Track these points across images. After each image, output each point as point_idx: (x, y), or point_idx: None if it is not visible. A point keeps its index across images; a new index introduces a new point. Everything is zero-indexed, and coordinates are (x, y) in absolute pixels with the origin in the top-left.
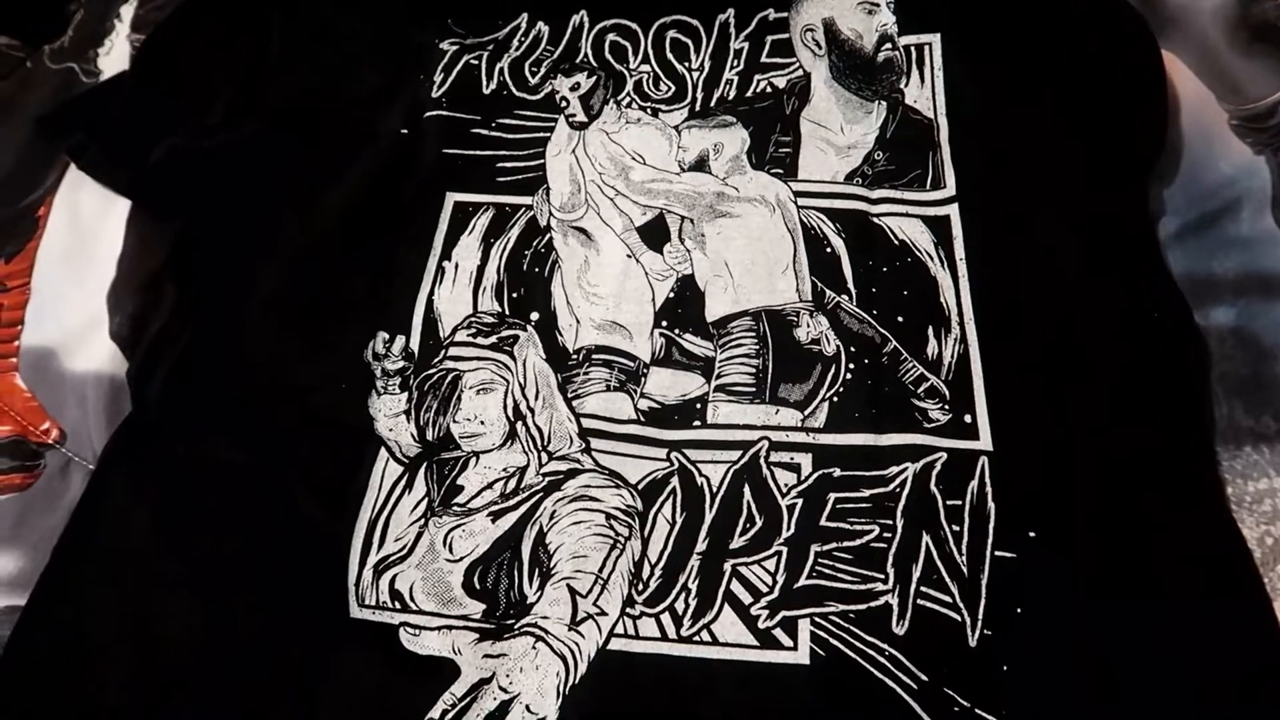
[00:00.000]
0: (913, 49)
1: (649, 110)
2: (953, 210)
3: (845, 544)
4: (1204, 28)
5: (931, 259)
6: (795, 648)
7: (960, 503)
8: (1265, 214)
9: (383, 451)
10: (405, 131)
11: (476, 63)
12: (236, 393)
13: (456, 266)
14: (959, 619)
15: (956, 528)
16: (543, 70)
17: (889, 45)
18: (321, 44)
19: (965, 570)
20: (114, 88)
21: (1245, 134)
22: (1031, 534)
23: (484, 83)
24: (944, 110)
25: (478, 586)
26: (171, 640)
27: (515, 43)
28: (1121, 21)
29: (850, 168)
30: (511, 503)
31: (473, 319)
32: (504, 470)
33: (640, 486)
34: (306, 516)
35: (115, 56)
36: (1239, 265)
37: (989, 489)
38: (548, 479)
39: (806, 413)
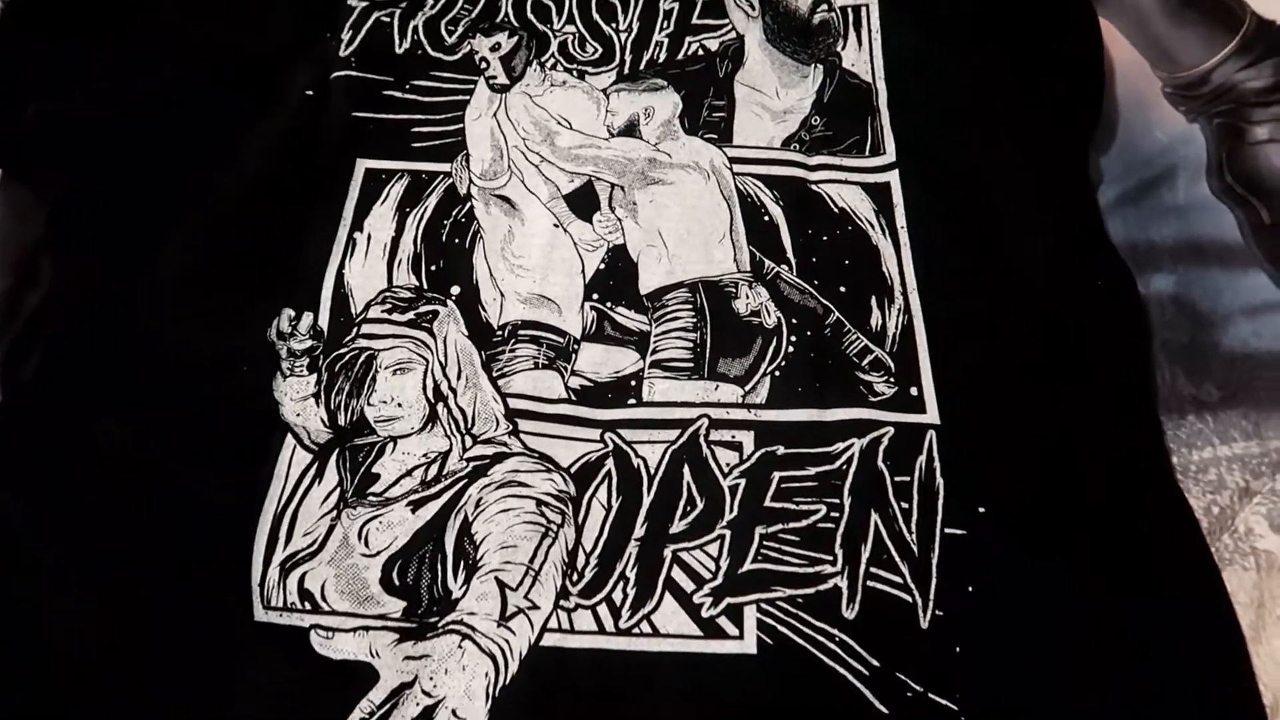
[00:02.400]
0: (850, 10)
1: (575, 73)
2: (893, 177)
3: (791, 525)
4: None
5: (872, 227)
6: (741, 636)
7: (909, 479)
8: (1200, 181)
9: (289, 438)
10: (311, 93)
11: (388, 20)
12: (126, 375)
13: (369, 238)
14: (910, 600)
15: (905, 505)
16: (460, 29)
17: (824, 7)
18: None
19: (915, 549)
20: None
21: (1178, 102)
22: (981, 509)
23: (396, 41)
24: (882, 74)
25: (397, 582)
26: (61, 651)
27: (430, 1)
28: None
29: (787, 133)
30: (433, 491)
31: (387, 294)
32: (424, 456)
33: (573, 470)
34: (206, 510)
35: None
36: (1176, 233)
37: (937, 464)
38: (472, 464)
39: (747, 388)
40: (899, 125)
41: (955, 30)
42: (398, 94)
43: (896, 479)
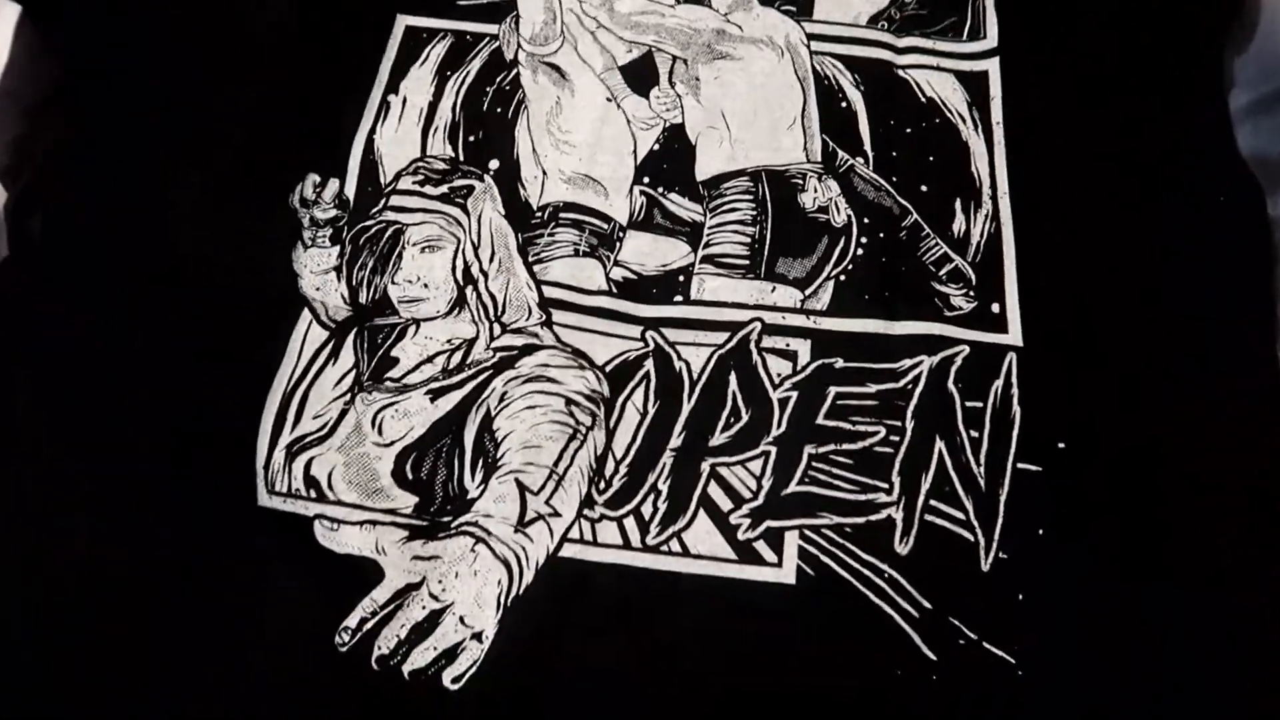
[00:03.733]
0: None
1: None
2: (992, 65)
3: (845, 446)
4: None
5: (964, 121)
6: (779, 564)
7: (981, 405)
8: None
9: (305, 313)
10: None
11: None
12: (134, 236)
13: (404, 102)
14: (971, 539)
15: (975, 434)
16: None
17: None
18: None
19: (983, 483)
20: None
21: None
22: (1060, 445)
23: None
24: None
25: (410, 476)
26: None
27: None
28: None
29: (875, 9)
30: (455, 380)
31: (420, 164)
32: (448, 342)
33: (608, 368)
34: (211, 386)
35: None
36: None
37: (1015, 391)
38: (499, 354)
39: (808, 292)
40: (1004, 6)
41: None
42: None
43: (968, 404)
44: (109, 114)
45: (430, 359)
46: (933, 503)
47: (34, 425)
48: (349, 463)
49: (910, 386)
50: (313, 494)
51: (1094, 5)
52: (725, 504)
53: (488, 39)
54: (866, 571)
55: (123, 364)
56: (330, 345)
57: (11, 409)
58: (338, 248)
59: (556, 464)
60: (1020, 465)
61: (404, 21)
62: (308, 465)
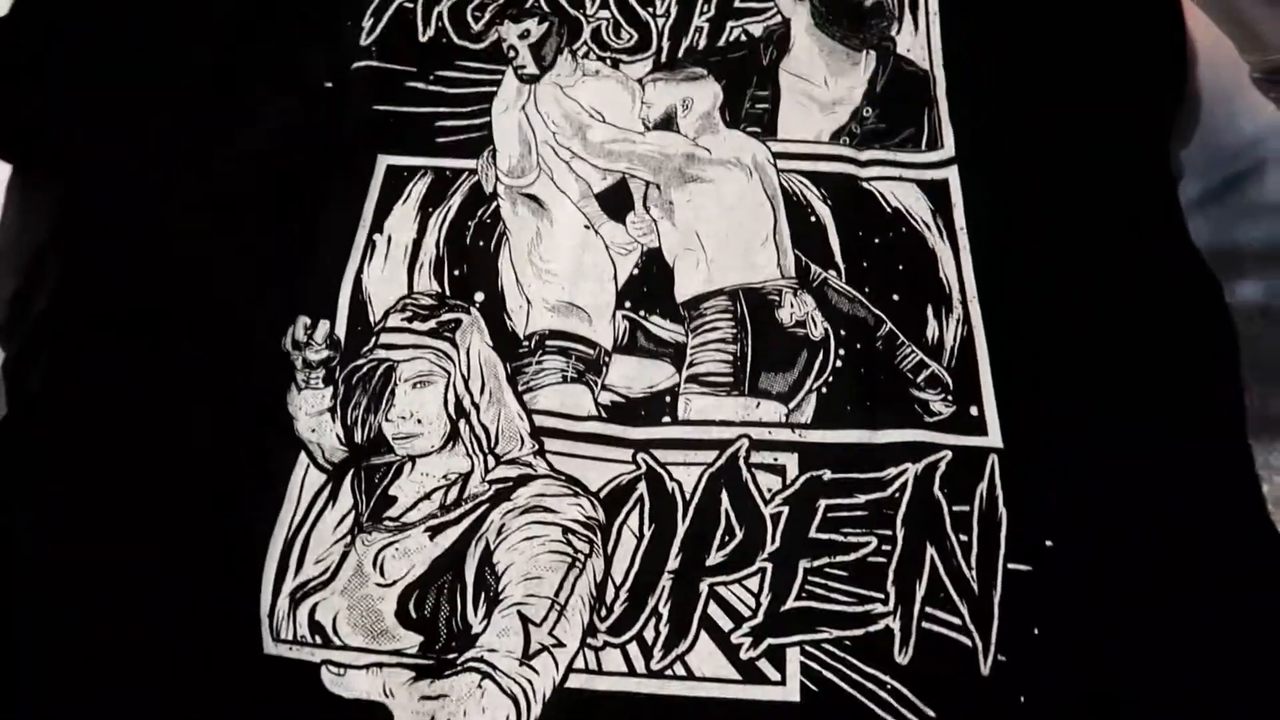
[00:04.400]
0: None
1: (608, 61)
2: (951, 173)
3: (839, 559)
4: None
5: (929, 228)
6: (783, 682)
7: (968, 508)
8: None
9: (302, 457)
10: (330, 85)
11: (412, 5)
12: (132, 388)
13: (389, 240)
14: (970, 644)
15: (964, 538)
16: (487, 15)
17: None
18: None
19: (976, 587)
20: None
21: (1269, 89)
22: (1048, 543)
23: (420, 29)
24: (941, 61)
25: (414, 615)
26: (63, 679)
27: None
28: None
29: (836, 126)
30: (453, 516)
31: (408, 301)
32: (444, 477)
33: (602, 494)
34: (213, 535)
35: None
36: (1266, 235)
37: (1000, 492)
38: (495, 487)
39: (791, 406)
40: (959, 117)
41: (1021, 12)
42: (421, 85)
43: (954, 508)
44: (103, 264)
45: (427, 495)
46: (929, 610)
47: (36, 582)
48: (353, 605)
49: (898, 495)
50: (318, 639)
51: (1045, 111)
52: (726, 623)
53: (467, 173)
54: (869, 684)
55: (123, 520)
56: (329, 488)
57: (14, 566)
58: (331, 388)
59: (558, 594)
60: (1011, 566)
61: (385, 161)
62: (312, 611)
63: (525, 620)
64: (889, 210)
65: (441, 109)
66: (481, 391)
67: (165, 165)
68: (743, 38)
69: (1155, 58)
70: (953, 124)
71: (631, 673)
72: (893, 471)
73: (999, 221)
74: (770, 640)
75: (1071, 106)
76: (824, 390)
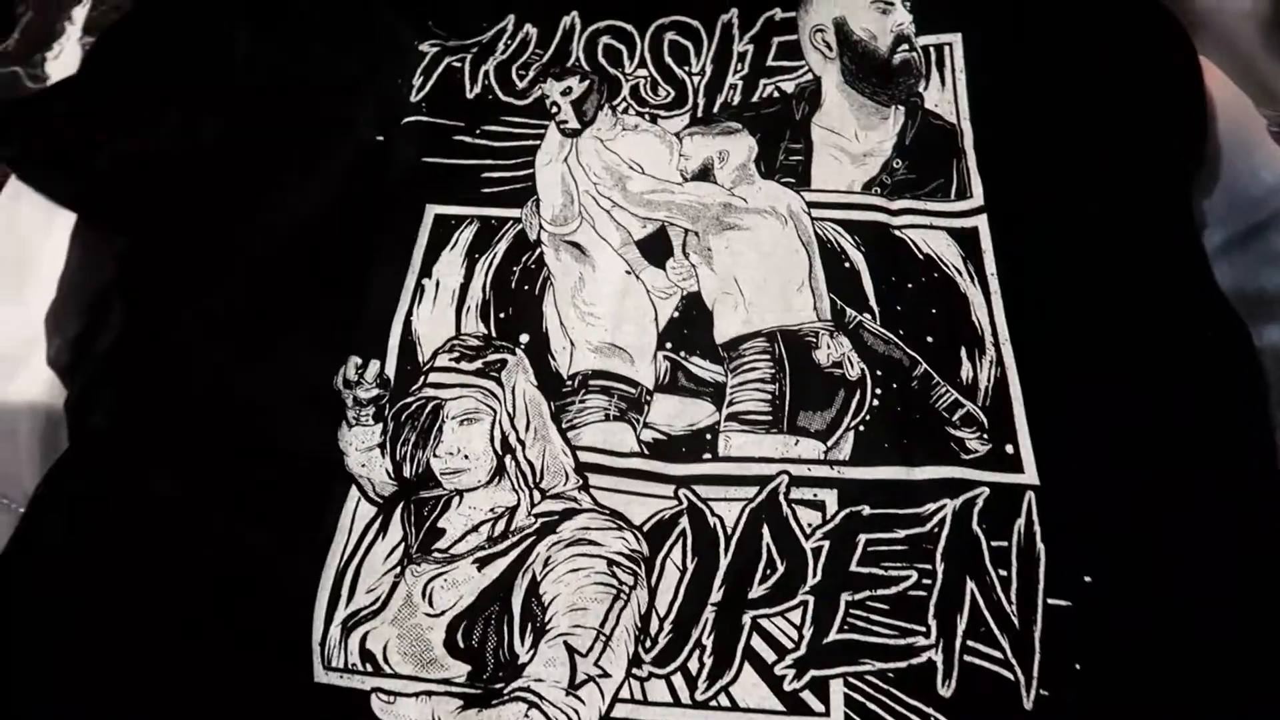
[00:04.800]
0: (932, 50)
1: (647, 116)
2: (981, 221)
3: (880, 592)
4: (1236, 30)
5: (960, 274)
6: (827, 713)
7: (1006, 544)
8: None
9: (353, 490)
10: (381, 138)
11: (459, 65)
12: (191, 425)
13: (437, 284)
14: (1012, 678)
15: (1004, 573)
16: (531, 74)
17: (906, 46)
18: (291, 46)
19: (1016, 622)
20: (61, 92)
21: None
22: (1087, 579)
23: (467, 86)
24: (968, 114)
25: (462, 645)
26: (113, 712)
27: (501, 46)
28: (1155, 21)
29: (867, 177)
30: (500, 548)
31: (456, 342)
32: (491, 511)
33: (645, 528)
34: (267, 566)
35: (65, 60)
36: None
37: (1037, 528)
38: (541, 520)
39: (829, 444)
40: (987, 167)
41: (1045, 67)
42: (468, 139)
43: (993, 544)
44: (161, 309)
45: (475, 528)
46: (970, 643)
47: (95, 612)
48: (402, 635)
49: (936, 530)
50: (369, 668)
51: (1070, 161)
52: (769, 655)
53: (511, 222)
54: (912, 716)
55: (180, 552)
56: (379, 520)
57: (74, 597)
58: (380, 425)
59: (603, 625)
60: (1051, 601)
61: (433, 210)
62: (363, 639)
63: (571, 650)
64: (920, 256)
65: (487, 161)
66: (527, 428)
67: (222, 217)
68: (775, 94)
69: (1176, 111)
70: (981, 175)
71: (677, 703)
72: (931, 507)
73: (1029, 267)
74: (814, 672)
75: (1096, 157)
76: (861, 428)
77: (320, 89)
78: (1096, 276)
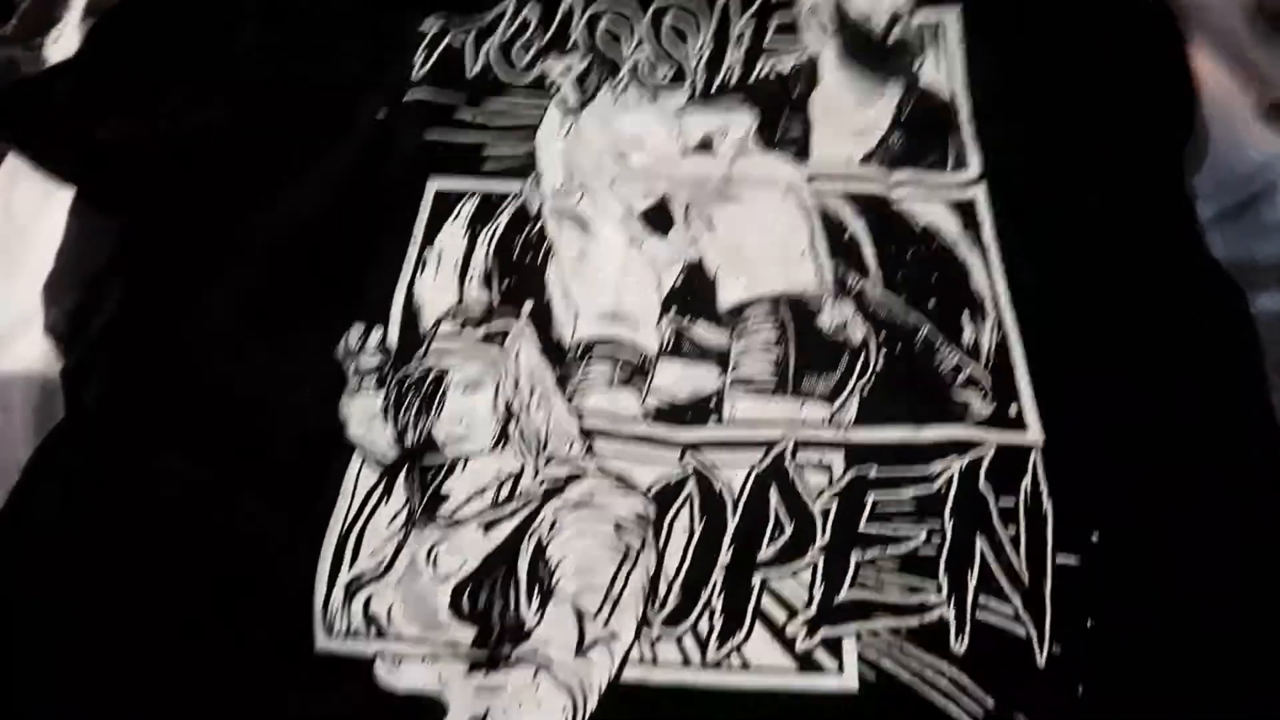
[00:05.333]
0: (927, 28)
1: (647, 94)
2: (978, 191)
3: (890, 551)
4: (1220, 18)
5: (959, 243)
6: (840, 671)
7: (1013, 502)
8: None
9: (355, 457)
10: (382, 116)
11: (460, 44)
12: (189, 395)
13: (440, 255)
14: (1024, 634)
15: (1012, 530)
16: (531, 53)
17: (902, 23)
18: (294, 26)
19: (1026, 579)
20: (61, 71)
21: (1273, 121)
22: (1094, 537)
23: (468, 65)
24: (964, 89)
25: (468, 608)
26: (108, 685)
27: (502, 26)
28: (1142, 3)
29: (866, 150)
30: (505, 511)
31: (459, 309)
32: (495, 476)
33: (652, 492)
34: (267, 534)
35: (64, 44)
36: None
37: (1044, 486)
38: (546, 485)
39: (835, 406)
40: (983, 140)
41: (1038, 46)
42: (469, 116)
43: (1000, 502)
44: (160, 283)
45: (480, 492)
46: (982, 600)
47: (91, 583)
48: (406, 598)
49: (944, 489)
50: (373, 630)
51: (1062, 135)
52: (780, 615)
53: (512, 195)
54: (928, 671)
55: (177, 522)
56: (382, 484)
57: (70, 567)
58: (383, 392)
59: (611, 586)
60: (1060, 559)
61: (434, 185)
62: (366, 602)
63: (580, 613)
64: (919, 227)
65: (488, 138)
66: (531, 395)
67: (223, 194)
68: (773, 74)
69: (1164, 85)
70: (978, 146)
71: (687, 664)
72: (938, 466)
73: (1026, 235)
74: (826, 630)
75: (1089, 129)
76: (866, 391)
77: (322, 71)
78: (1093, 242)
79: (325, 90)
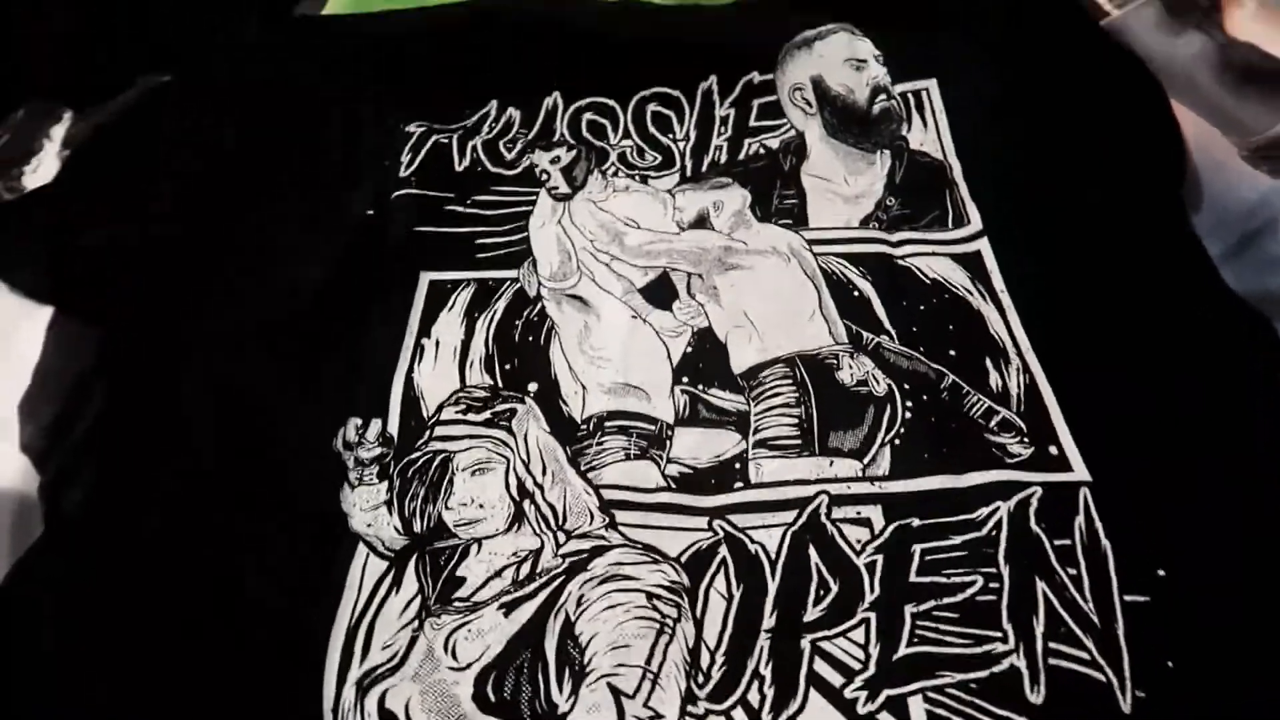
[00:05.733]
0: (910, 95)
1: (637, 178)
2: (982, 245)
3: (945, 600)
4: (1191, 73)
5: (970, 293)
6: None
7: (1070, 542)
8: None
9: (361, 547)
10: (372, 213)
11: (447, 141)
12: (181, 494)
13: (437, 343)
14: (1103, 679)
15: (1073, 571)
16: (519, 147)
17: (884, 96)
18: (279, 128)
19: (1096, 620)
20: (40, 197)
21: (1258, 163)
22: (1160, 572)
23: (456, 160)
24: (953, 150)
25: (493, 698)
26: None
27: (486, 128)
28: (1117, 56)
29: (863, 214)
30: (527, 591)
31: (461, 394)
32: (513, 555)
33: (683, 559)
34: (267, 630)
35: (43, 173)
36: None
37: (1098, 525)
38: (569, 559)
39: (866, 460)
40: (980, 194)
41: (1021, 102)
42: (459, 209)
43: (1056, 542)
44: (149, 383)
45: (498, 573)
46: (1052, 645)
47: (85, 689)
48: (425, 691)
49: (994, 533)
50: None
51: (1059, 183)
52: (836, 679)
53: (509, 281)
54: None
55: (172, 624)
56: (391, 573)
57: (60, 684)
58: (385, 483)
59: (649, 662)
60: (1128, 597)
61: (427, 276)
62: (382, 699)
63: (617, 692)
64: (928, 281)
65: (480, 228)
66: (544, 473)
67: (212, 292)
68: (761, 150)
69: (1152, 136)
70: (975, 201)
71: None
72: (984, 511)
73: (1038, 282)
74: (888, 691)
75: (1085, 177)
76: (897, 442)
77: (310, 170)
78: (1109, 283)
79: (313, 188)
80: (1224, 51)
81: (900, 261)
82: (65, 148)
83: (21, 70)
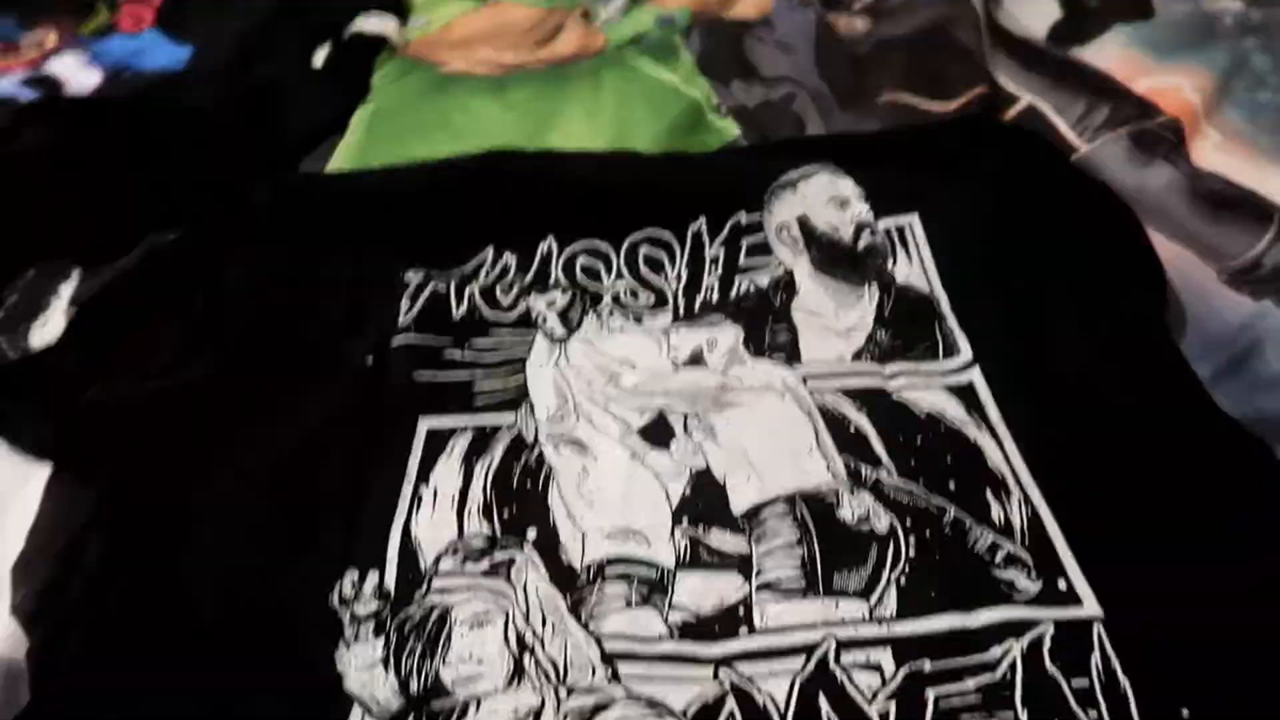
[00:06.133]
0: (894, 229)
1: (631, 318)
2: (974, 375)
3: None
4: (1162, 202)
5: (966, 425)
6: None
7: (1087, 682)
8: None
9: (356, 709)
10: (370, 361)
11: (444, 289)
12: (174, 650)
13: (435, 491)
14: None
15: (1094, 714)
16: (515, 292)
17: (869, 231)
18: (279, 278)
19: None
20: (44, 354)
21: (1239, 286)
22: (1185, 711)
23: (453, 307)
24: (939, 283)
25: None
26: None
27: (483, 272)
28: (1092, 188)
29: (855, 348)
30: None
31: (459, 544)
32: (513, 714)
33: (689, 714)
34: None
35: (50, 330)
36: None
37: (1115, 663)
38: (571, 717)
39: (872, 601)
40: (969, 325)
41: (1001, 233)
42: (457, 355)
43: (1074, 682)
44: (144, 545)
45: None
46: None
47: None
48: None
49: (1009, 675)
50: None
51: (1046, 312)
52: None
53: (506, 427)
54: None
55: None
56: None
57: None
58: (381, 639)
59: None
60: None
61: (426, 424)
62: None
63: None
64: (923, 414)
65: (478, 372)
66: (544, 626)
67: (211, 445)
68: (752, 288)
69: (1131, 263)
70: (964, 333)
71: None
72: (997, 651)
73: (1033, 411)
74: None
75: (1070, 307)
76: (902, 581)
77: (308, 320)
78: (1103, 410)
79: (311, 338)
80: (1193, 181)
81: (895, 395)
82: (72, 305)
83: (34, 234)
